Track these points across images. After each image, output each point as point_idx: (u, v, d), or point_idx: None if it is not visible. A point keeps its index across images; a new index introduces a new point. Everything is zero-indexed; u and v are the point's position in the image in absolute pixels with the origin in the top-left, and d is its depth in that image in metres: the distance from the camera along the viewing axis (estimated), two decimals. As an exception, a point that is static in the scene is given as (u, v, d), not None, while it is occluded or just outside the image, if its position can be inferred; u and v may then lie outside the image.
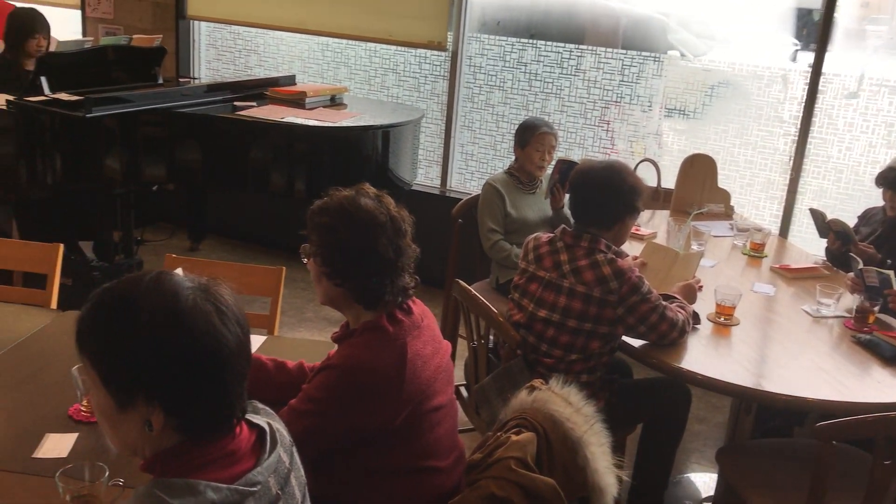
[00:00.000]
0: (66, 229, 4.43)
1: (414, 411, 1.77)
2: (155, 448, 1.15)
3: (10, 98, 3.76)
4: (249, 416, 1.25)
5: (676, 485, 3.18)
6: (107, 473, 1.53)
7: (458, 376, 3.20)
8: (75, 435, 1.80)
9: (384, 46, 5.01)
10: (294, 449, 1.33)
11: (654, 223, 3.81)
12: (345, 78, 5.18)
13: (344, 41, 5.10)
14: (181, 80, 5.18)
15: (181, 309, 1.11)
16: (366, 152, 4.11)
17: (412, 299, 1.88)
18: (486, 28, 4.74)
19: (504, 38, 4.70)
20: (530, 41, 4.64)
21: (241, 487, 1.13)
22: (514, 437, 1.75)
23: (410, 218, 1.87)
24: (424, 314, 1.89)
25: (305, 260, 1.84)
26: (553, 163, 3.54)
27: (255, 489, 1.15)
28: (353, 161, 4.09)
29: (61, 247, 2.69)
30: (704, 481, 3.25)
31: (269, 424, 1.26)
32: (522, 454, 1.70)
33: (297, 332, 4.16)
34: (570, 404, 1.83)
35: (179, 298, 1.11)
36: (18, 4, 4.85)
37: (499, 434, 1.80)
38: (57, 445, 1.76)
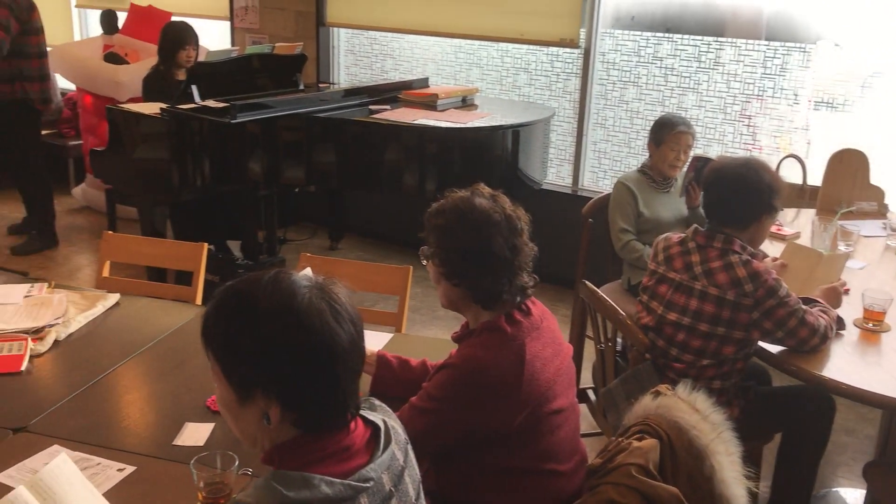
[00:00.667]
0: (215, 229, 4.71)
1: (533, 413, 1.76)
2: (273, 440, 1.19)
3: (164, 106, 4.02)
4: (365, 413, 1.28)
5: (820, 500, 3.00)
6: (237, 463, 1.60)
7: (587, 378, 3.16)
8: (212, 425, 1.90)
9: (516, 46, 5.00)
10: (409, 447, 1.35)
11: (798, 223, 3.60)
12: (477, 79, 5.21)
13: (476, 42, 5.13)
14: (321, 85, 5.37)
15: (297, 307, 1.15)
16: (496, 152, 4.12)
17: (532, 300, 1.87)
18: (619, 23, 4.64)
19: (639, 32, 4.58)
20: (666, 35, 4.50)
21: (354, 483, 1.16)
22: (635, 443, 1.70)
23: (527, 216, 1.86)
24: (544, 315, 1.87)
25: (425, 262, 1.87)
26: (689, 160, 3.42)
27: (367, 485, 1.17)
28: (483, 161, 4.10)
29: (206, 246, 2.84)
30: (854, 497, 3.05)
31: (384, 422, 1.29)
32: (644, 461, 1.65)
33: (428, 330, 4.22)
34: (696, 411, 1.76)
35: (296, 297, 1.16)
36: (177, 18, 5.19)
37: (620, 439, 1.76)
38: (195, 434, 1.87)
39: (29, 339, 2.23)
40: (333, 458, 1.18)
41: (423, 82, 4.98)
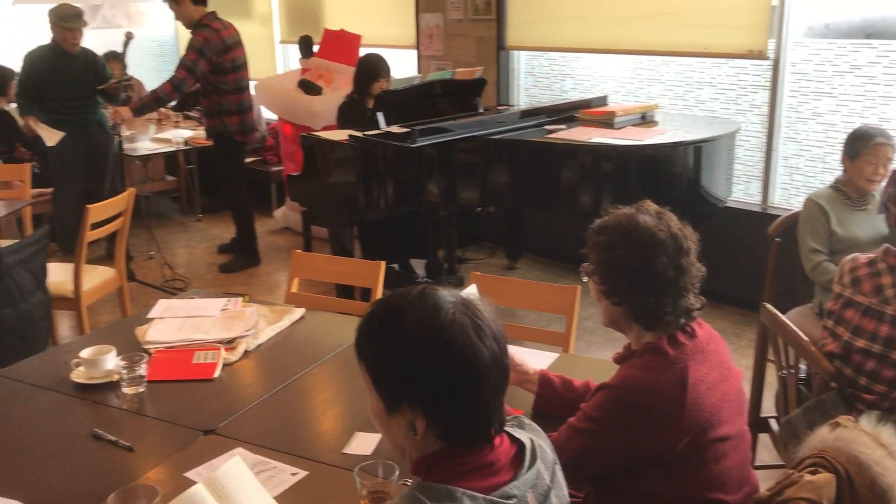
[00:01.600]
0: (400, 249, 4.91)
1: (697, 439, 1.69)
2: (419, 451, 1.24)
3: (351, 133, 4.26)
4: (511, 430, 1.29)
5: None
6: (397, 473, 1.67)
7: (769, 407, 2.99)
8: (379, 436, 1.98)
9: (699, 60, 4.84)
10: (557, 467, 1.34)
11: None
12: (658, 95, 5.09)
13: (657, 58, 5.02)
14: (500, 107, 5.47)
15: (441, 322, 1.19)
16: (676, 169, 4.00)
17: (698, 322, 1.80)
18: (812, 32, 4.37)
19: (834, 40, 4.30)
20: (865, 42, 4.18)
21: (496, 499, 1.17)
22: (808, 477, 1.59)
23: (695, 236, 1.80)
24: (711, 338, 1.80)
25: (586, 279, 1.86)
26: (888, 175, 3.16)
27: (510, 502, 1.18)
28: (662, 178, 4.00)
29: (383, 264, 2.97)
30: None
31: (531, 440, 1.29)
32: (816, 496, 1.54)
33: (604, 352, 4.15)
34: (881, 445, 1.62)
35: (440, 312, 1.20)
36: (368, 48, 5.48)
37: (792, 472, 1.65)
38: (363, 443, 1.96)
39: (222, 348, 2.44)
40: (477, 473, 1.20)
41: (602, 101, 4.94)
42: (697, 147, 3.99)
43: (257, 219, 6.07)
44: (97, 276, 4.07)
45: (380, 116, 4.42)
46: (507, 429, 1.28)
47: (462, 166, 4.21)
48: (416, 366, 1.18)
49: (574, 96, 5.46)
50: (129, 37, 5.03)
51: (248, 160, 6.38)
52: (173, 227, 6.72)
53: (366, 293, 3.71)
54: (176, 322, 2.64)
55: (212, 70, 5.19)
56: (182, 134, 6.33)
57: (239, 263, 5.65)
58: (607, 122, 4.38)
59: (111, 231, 4.05)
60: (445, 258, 5.06)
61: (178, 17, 5.32)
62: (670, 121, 4.54)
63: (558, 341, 2.65)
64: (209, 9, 5.27)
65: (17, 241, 3.45)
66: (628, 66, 5.23)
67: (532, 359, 2.18)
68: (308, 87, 5.77)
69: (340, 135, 4.41)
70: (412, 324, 1.20)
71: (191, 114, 7.03)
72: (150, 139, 6.50)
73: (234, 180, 5.59)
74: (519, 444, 1.28)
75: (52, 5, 5.17)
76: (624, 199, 4.15)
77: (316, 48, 6.30)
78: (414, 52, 6.25)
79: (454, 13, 5.86)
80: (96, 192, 5.22)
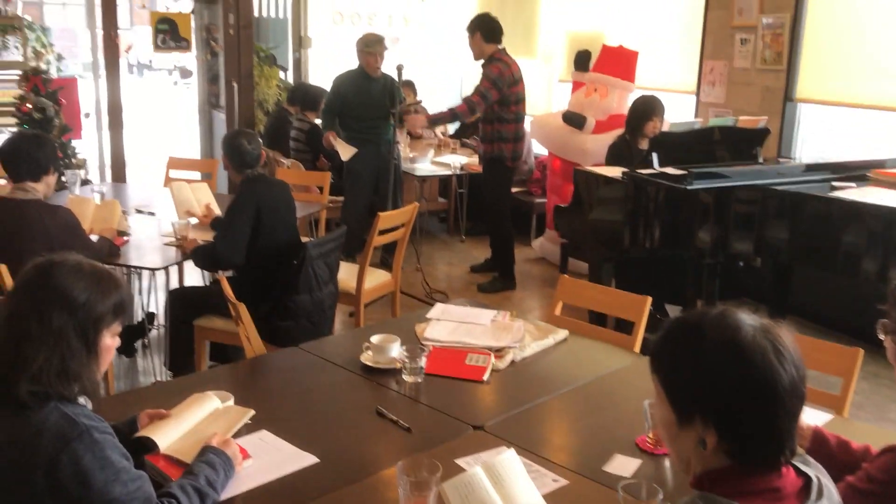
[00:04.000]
0: (656, 291, 4.86)
1: None
2: (705, 466, 1.27)
3: (625, 170, 4.32)
4: (797, 463, 1.29)
5: None
6: (660, 496, 1.70)
7: None
8: (639, 461, 2.02)
9: None
10: None
11: None
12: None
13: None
14: (780, 159, 5.26)
15: (741, 341, 1.22)
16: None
17: None
18: None
19: None
20: None
21: None
22: None
23: None
24: None
25: (882, 336, 1.78)
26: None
27: None
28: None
29: (649, 299, 3.00)
30: None
31: (817, 477, 1.28)
32: None
33: (879, 425, 3.84)
34: None
35: (740, 332, 1.24)
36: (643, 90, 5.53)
37: None
38: (623, 465, 2.00)
39: (492, 355, 2.60)
40: (762, 497, 1.21)
41: (898, 162, 4.60)
42: None
43: (516, 246, 6.29)
44: (375, 278, 4.45)
45: (654, 157, 4.45)
46: (793, 461, 1.28)
47: (738, 215, 4.12)
48: (714, 381, 1.23)
49: (865, 155, 5.11)
50: (399, 68, 5.47)
51: (514, 190, 6.65)
52: (438, 244, 7.15)
53: (621, 325, 3.74)
54: (451, 325, 2.85)
55: (498, 101, 5.52)
56: (458, 160, 6.74)
57: (496, 285, 5.89)
58: (906, 184, 4.07)
59: (393, 239, 4.42)
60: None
61: (472, 50, 5.70)
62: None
63: (831, 403, 2.52)
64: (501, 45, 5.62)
65: (317, 237, 3.89)
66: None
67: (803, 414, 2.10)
68: (572, 120, 5.87)
69: (613, 171, 4.49)
70: (712, 340, 1.24)
71: (468, 141, 7.46)
72: (430, 162, 7.00)
73: (501, 204, 5.87)
74: (805, 478, 1.27)
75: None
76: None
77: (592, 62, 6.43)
78: (692, 98, 6.19)
79: (741, 61, 5.74)
80: (380, 205, 5.71)
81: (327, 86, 6.31)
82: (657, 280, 4.85)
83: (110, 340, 1.70)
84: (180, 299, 3.84)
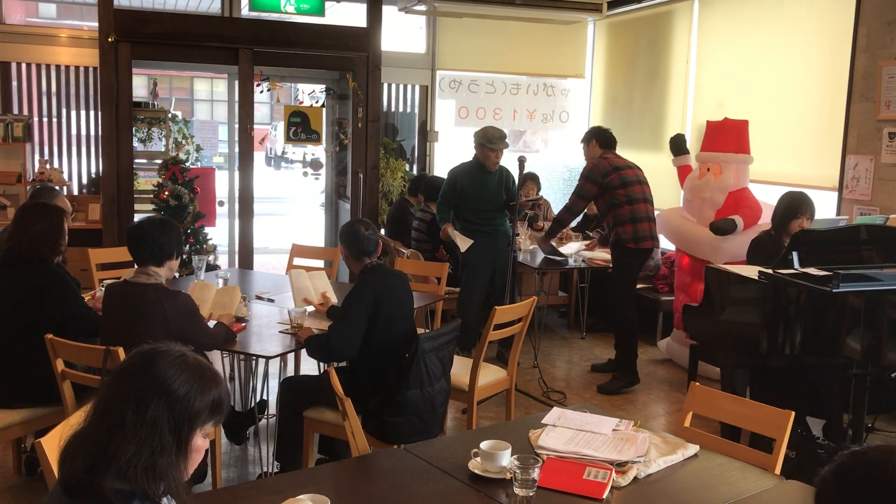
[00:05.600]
0: (796, 401, 4.44)
1: None
2: None
3: (762, 270, 4.01)
4: None
5: None
6: None
7: None
8: None
9: None
10: None
11: None
12: None
13: None
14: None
15: None
16: None
17: None
18: None
19: None
20: None
21: None
22: None
23: None
24: None
25: None
26: None
27: None
28: None
29: (792, 414, 2.69)
30: None
31: None
32: None
33: None
34: None
35: None
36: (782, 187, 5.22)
37: None
38: None
39: (613, 470, 2.35)
40: None
41: None
42: None
43: (640, 346, 5.98)
44: (489, 375, 4.28)
45: (794, 255, 4.12)
46: None
47: (892, 322, 3.72)
48: None
49: None
50: (521, 160, 5.41)
51: (639, 286, 6.38)
52: (557, 340, 6.91)
53: (757, 440, 3.39)
54: (568, 433, 2.63)
55: (602, 190, 5.62)
56: (582, 253, 6.55)
57: (617, 384, 5.60)
58: None
59: (510, 334, 4.25)
60: (851, 423, 4.46)
61: (586, 157, 5.89)
62: None
63: None
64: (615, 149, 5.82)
65: (432, 330, 3.77)
66: None
67: None
68: (725, 228, 5.49)
69: (747, 270, 4.19)
70: None
71: (591, 234, 7.28)
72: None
73: (626, 289, 5.70)
74: None
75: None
76: None
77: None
78: (833, 195, 5.80)
79: (889, 157, 5.36)
80: (497, 298, 5.58)
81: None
82: (797, 390, 4.43)
83: (202, 441, 1.61)
84: (291, 389, 3.79)
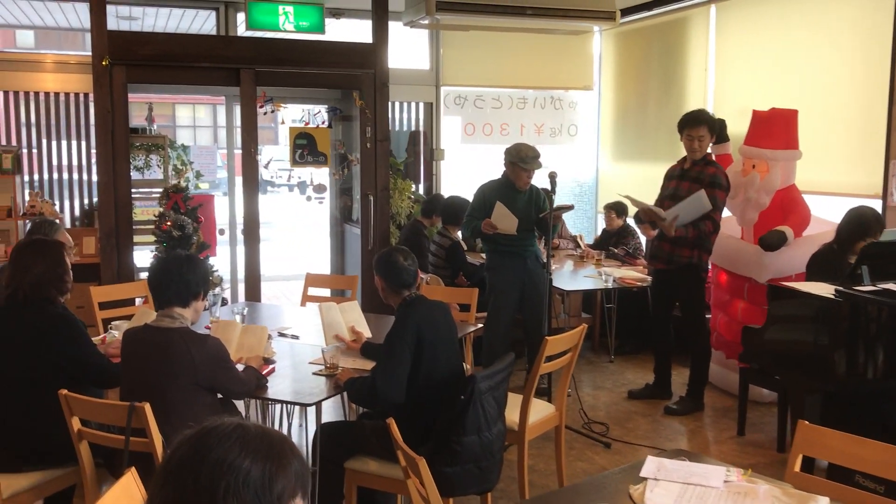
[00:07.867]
0: (879, 429, 4.11)
1: None
2: None
3: (839, 287, 3.70)
4: None
5: None
6: None
7: None
8: None
9: None
10: None
11: None
12: None
13: None
14: None
15: None
16: None
17: None
18: None
19: None
20: None
21: None
22: None
23: None
24: None
25: None
26: None
27: None
28: None
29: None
30: None
31: None
32: None
33: None
34: None
35: None
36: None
37: None
38: None
39: (747, 535, 2.01)
40: None
41: None
42: None
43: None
44: (538, 411, 3.92)
45: (864, 270, 3.81)
46: None
47: None
48: None
49: None
50: (553, 176, 5.09)
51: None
52: (583, 365, 6.55)
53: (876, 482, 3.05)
54: (675, 487, 2.29)
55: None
56: (612, 272, 6.20)
57: (687, 406, 5.35)
58: None
59: (560, 366, 3.90)
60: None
61: (694, 148, 5.34)
62: None
63: None
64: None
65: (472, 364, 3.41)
66: None
67: None
68: (776, 244, 5.05)
69: (816, 287, 3.87)
70: None
71: (616, 251, 6.96)
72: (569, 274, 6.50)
73: (703, 314, 5.45)
74: None
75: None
76: None
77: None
78: (876, 202, 5.51)
79: (936, 160, 5.09)
80: (533, 325, 5.25)
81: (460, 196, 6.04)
82: (879, 417, 4.10)
83: None
84: (330, 436, 3.42)
